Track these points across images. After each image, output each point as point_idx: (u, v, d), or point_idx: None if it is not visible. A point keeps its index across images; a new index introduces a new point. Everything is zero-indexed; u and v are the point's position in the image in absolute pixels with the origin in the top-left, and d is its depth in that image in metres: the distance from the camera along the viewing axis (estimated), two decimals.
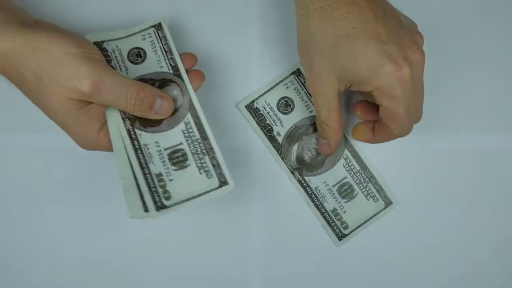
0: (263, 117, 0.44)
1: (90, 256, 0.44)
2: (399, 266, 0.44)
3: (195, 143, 0.38)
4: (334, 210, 0.43)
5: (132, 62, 0.40)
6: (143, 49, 0.40)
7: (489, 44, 0.46)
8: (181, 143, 0.38)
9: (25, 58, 0.33)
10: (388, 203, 0.44)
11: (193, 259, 0.43)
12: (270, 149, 0.44)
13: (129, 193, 0.35)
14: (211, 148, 0.38)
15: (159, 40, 0.41)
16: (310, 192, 0.43)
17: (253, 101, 0.44)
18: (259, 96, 0.44)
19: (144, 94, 0.36)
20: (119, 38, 0.41)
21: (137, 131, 0.37)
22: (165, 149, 0.37)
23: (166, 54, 0.40)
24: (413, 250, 0.44)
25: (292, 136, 0.44)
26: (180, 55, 0.40)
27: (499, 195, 0.45)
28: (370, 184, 0.43)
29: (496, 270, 0.44)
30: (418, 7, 0.44)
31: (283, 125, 0.44)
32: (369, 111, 0.41)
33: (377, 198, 0.43)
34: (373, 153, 0.44)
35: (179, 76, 0.40)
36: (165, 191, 0.36)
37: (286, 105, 0.44)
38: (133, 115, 0.37)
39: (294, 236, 0.44)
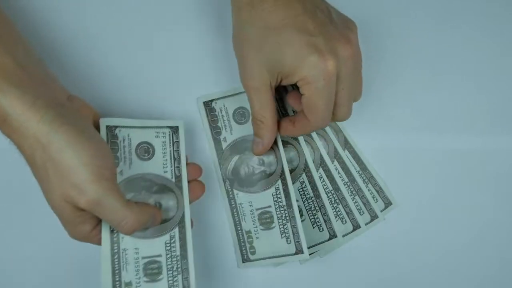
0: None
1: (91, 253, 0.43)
2: (399, 267, 0.44)
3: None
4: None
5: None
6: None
7: (489, 45, 0.47)
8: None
9: (42, 147, 0.32)
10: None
11: None
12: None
13: None
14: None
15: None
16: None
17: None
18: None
19: (139, 224, 0.35)
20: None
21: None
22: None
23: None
24: (413, 251, 0.44)
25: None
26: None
27: (500, 195, 0.45)
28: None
29: (496, 270, 0.44)
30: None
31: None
32: (299, 100, 0.38)
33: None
34: (373, 153, 0.45)
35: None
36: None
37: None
38: None
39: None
